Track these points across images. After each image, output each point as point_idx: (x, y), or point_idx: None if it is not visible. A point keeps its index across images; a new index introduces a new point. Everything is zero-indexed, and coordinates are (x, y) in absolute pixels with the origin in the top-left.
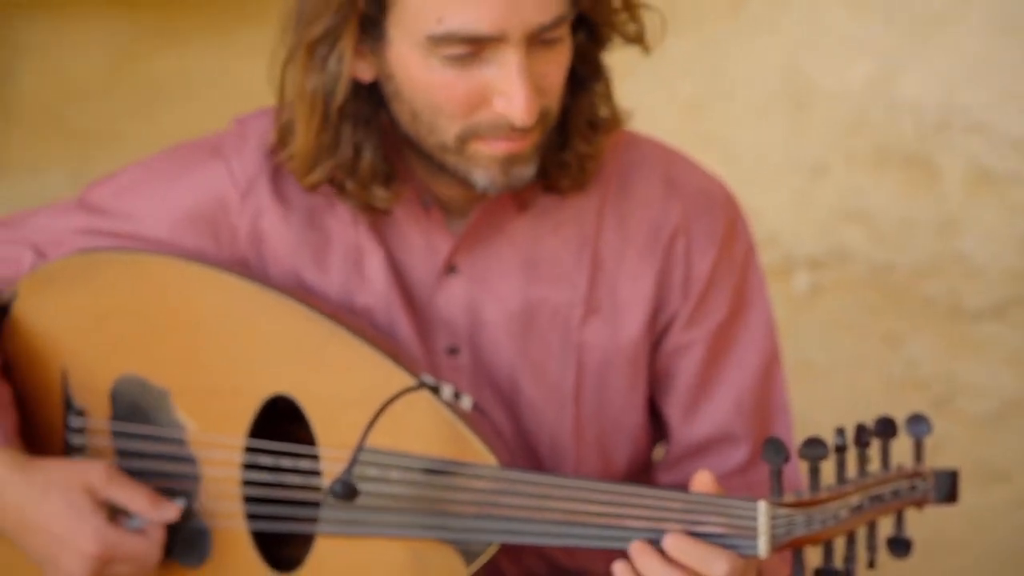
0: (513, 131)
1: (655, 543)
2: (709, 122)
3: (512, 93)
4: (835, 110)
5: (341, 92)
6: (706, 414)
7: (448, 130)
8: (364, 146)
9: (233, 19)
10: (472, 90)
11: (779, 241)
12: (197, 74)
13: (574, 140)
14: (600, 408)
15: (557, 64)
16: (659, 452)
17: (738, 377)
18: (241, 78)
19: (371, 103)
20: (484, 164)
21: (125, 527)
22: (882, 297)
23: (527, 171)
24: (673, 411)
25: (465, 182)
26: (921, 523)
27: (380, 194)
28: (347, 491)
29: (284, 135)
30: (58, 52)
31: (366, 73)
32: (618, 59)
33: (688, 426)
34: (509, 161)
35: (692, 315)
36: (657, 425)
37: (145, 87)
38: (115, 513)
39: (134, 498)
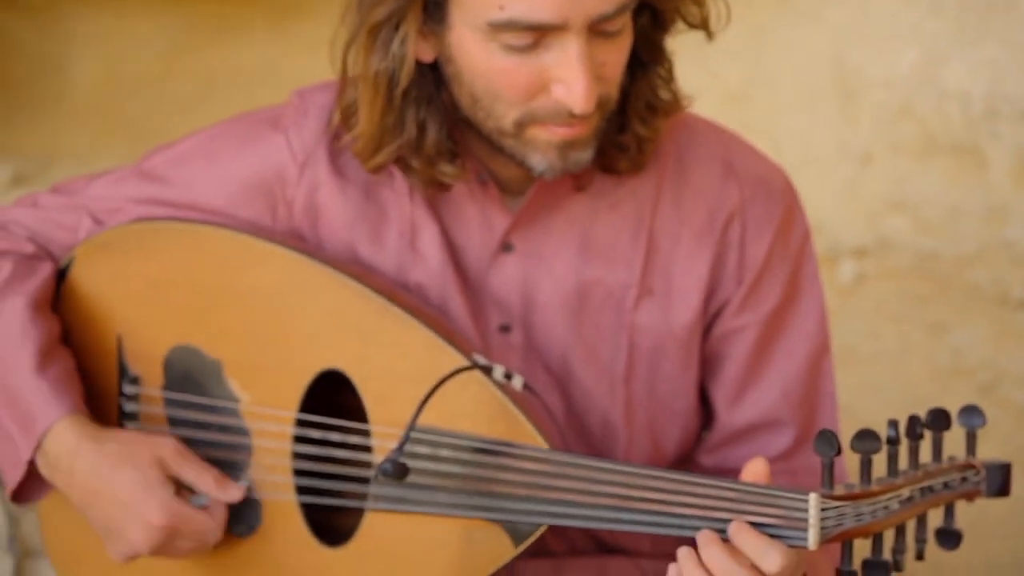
0: (571, 118)
1: (720, 533)
2: (754, 111)
3: (571, 81)
4: (881, 99)
5: (405, 75)
6: (753, 400)
7: (506, 116)
8: (428, 124)
9: (286, 13)
10: (531, 77)
11: (825, 230)
12: (250, 67)
13: (633, 122)
14: (651, 391)
15: (617, 52)
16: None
17: (787, 364)
18: (294, 72)
19: (433, 82)
20: (542, 149)
21: (191, 503)
22: (928, 285)
23: (584, 156)
24: (720, 395)
25: (523, 165)
26: (963, 508)
27: (446, 170)
28: (397, 470)
29: (347, 116)
30: (113, 44)
31: (427, 54)
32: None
33: (734, 411)
34: (567, 146)
35: (745, 300)
36: (703, 411)
37: (198, 80)
38: (180, 490)
39: (201, 476)
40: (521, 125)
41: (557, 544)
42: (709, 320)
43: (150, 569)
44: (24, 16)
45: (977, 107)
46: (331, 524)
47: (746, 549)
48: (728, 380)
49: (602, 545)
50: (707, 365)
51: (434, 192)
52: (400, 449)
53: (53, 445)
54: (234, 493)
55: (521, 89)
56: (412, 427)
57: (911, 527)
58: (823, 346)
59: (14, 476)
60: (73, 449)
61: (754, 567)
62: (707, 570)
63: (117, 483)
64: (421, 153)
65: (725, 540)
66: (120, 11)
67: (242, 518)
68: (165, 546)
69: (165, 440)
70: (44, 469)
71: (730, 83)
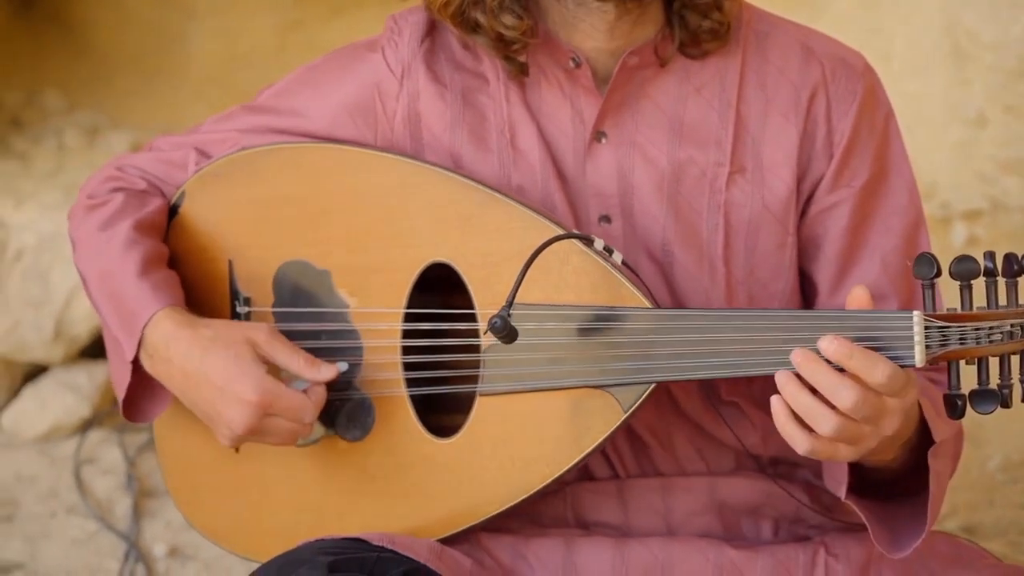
0: None
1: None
2: None
3: None
4: (994, 61)
5: None
6: (855, 276)
7: None
8: None
9: None
10: None
11: (937, 192)
12: None
13: None
14: (750, 271)
15: None
16: None
17: (885, 239)
18: None
19: None
20: None
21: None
22: None
23: None
24: (822, 275)
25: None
26: None
27: (509, 22)
28: (506, 327)
29: None
30: (230, 19)
31: None
32: (775, 12)
33: (837, 289)
34: None
35: (836, 175)
36: (804, 297)
37: (312, 53)
38: (278, 374)
39: (292, 358)
40: None
41: (665, 464)
42: (804, 201)
43: (267, 485)
44: None
45: None
46: (444, 423)
47: (848, 362)
48: (829, 259)
49: (710, 460)
50: (806, 248)
51: (525, 90)
52: (508, 306)
53: (152, 335)
54: (326, 372)
55: None
56: (518, 285)
57: (1016, 365)
58: (918, 219)
59: (122, 382)
60: (170, 335)
61: (858, 378)
62: (811, 389)
63: (211, 364)
64: (484, 3)
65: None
66: None
67: (356, 422)
68: (262, 426)
69: (258, 325)
70: (146, 362)
71: None
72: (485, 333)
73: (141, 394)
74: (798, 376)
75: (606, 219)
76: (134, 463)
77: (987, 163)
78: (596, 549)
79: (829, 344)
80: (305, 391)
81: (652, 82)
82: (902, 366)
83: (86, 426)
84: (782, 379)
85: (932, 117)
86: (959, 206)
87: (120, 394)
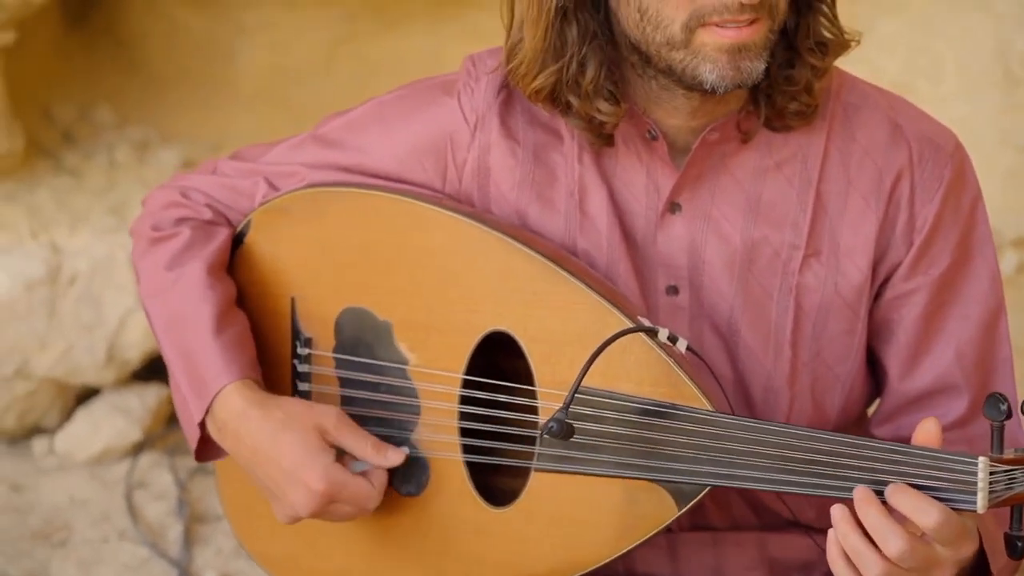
0: (740, 13)
1: (878, 493)
2: (914, 99)
3: None
4: None
5: None
6: (927, 365)
7: (675, 20)
8: (588, 59)
9: (447, 4)
10: None
11: None
12: (411, 57)
13: (803, 55)
14: (816, 354)
15: None
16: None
17: (961, 328)
18: (454, 61)
19: (597, 18)
20: (712, 57)
21: (350, 469)
22: None
23: (756, 66)
24: (893, 361)
25: (693, 88)
26: None
27: (604, 108)
28: (563, 430)
29: (512, 52)
30: (279, 34)
31: None
32: None
33: (907, 377)
34: (736, 52)
35: (915, 263)
36: (873, 380)
37: (360, 69)
38: (342, 457)
39: (360, 443)
40: (690, 29)
41: (718, 518)
42: (879, 285)
43: (321, 527)
44: (194, 6)
45: None
46: (497, 486)
47: (903, 507)
48: (901, 345)
49: (764, 519)
50: (879, 331)
51: (600, 153)
52: (566, 408)
53: (221, 410)
54: (393, 458)
55: None
56: (577, 387)
57: None
58: (998, 309)
59: (191, 437)
60: (240, 414)
61: (909, 521)
62: (863, 530)
63: (280, 448)
64: (579, 88)
65: (883, 502)
66: (287, 2)
67: (411, 478)
68: (325, 510)
69: (328, 408)
70: (214, 432)
71: (891, 73)
72: (541, 435)
73: (207, 445)
74: (853, 513)
75: (674, 290)
76: (185, 487)
77: None
78: None
79: (889, 491)
80: (365, 473)
81: (732, 156)
82: (962, 510)
83: (137, 449)
84: (837, 515)
85: (983, 142)
86: (1009, 233)
87: (191, 445)
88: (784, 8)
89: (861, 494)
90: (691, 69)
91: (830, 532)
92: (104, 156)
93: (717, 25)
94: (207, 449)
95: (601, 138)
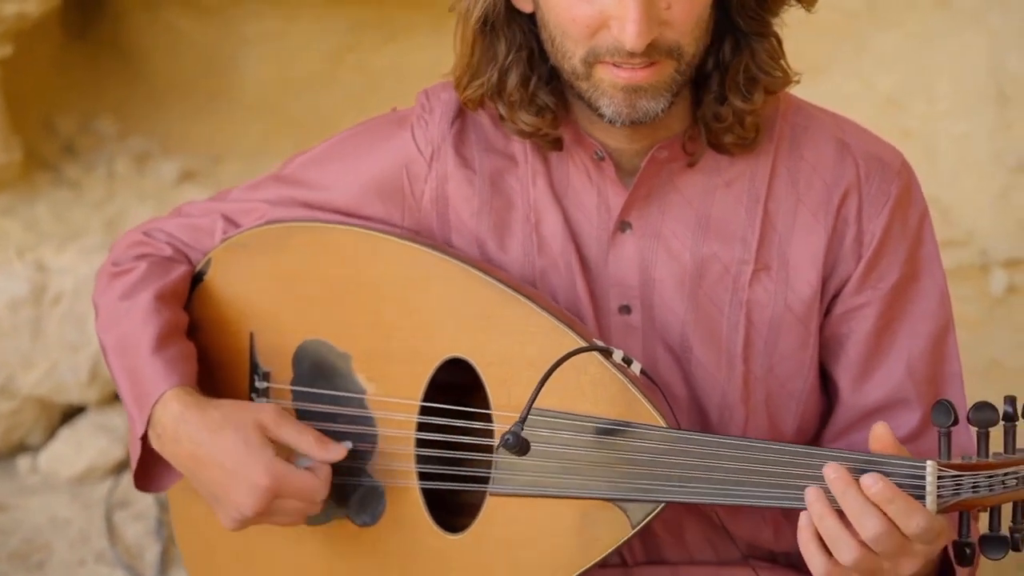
0: (631, 57)
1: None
2: (908, 116)
3: (624, 18)
4: None
5: (493, 11)
6: (878, 379)
7: (575, 53)
8: (511, 70)
9: (449, 15)
10: (593, 14)
11: (977, 239)
12: (411, 69)
13: (731, 94)
14: (769, 370)
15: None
16: None
17: (911, 343)
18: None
19: (524, 32)
20: (608, 93)
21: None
22: None
23: (653, 105)
24: (844, 376)
25: (596, 113)
26: None
27: (526, 119)
28: (519, 443)
29: (454, 68)
30: (281, 45)
31: (526, 4)
32: (818, 51)
33: (859, 391)
34: (632, 92)
35: (864, 277)
36: (826, 398)
37: (363, 80)
38: (285, 455)
39: (301, 437)
40: (588, 64)
41: (673, 551)
42: (830, 300)
43: (275, 560)
44: (196, 17)
45: None
46: (452, 515)
47: (887, 505)
48: (852, 360)
49: (720, 551)
50: (830, 346)
51: (553, 176)
52: (522, 422)
53: (160, 415)
54: (335, 452)
55: (583, 25)
56: (533, 400)
57: None
58: (947, 325)
59: (133, 456)
60: (178, 416)
61: (886, 515)
62: (839, 512)
63: (219, 447)
64: (503, 97)
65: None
66: (288, 14)
67: (367, 508)
68: (271, 508)
69: (265, 406)
70: (155, 442)
71: (884, 88)
72: (498, 448)
73: (153, 466)
74: (828, 496)
75: (626, 309)
76: (165, 507)
77: None
78: None
79: (873, 484)
80: (310, 468)
81: (680, 176)
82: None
83: (120, 468)
84: (811, 496)
85: (976, 161)
86: (999, 254)
87: (132, 465)
88: (693, 50)
89: (837, 472)
90: (593, 100)
91: (802, 515)
92: (103, 169)
93: (613, 64)
94: (150, 474)
95: (547, 143)
